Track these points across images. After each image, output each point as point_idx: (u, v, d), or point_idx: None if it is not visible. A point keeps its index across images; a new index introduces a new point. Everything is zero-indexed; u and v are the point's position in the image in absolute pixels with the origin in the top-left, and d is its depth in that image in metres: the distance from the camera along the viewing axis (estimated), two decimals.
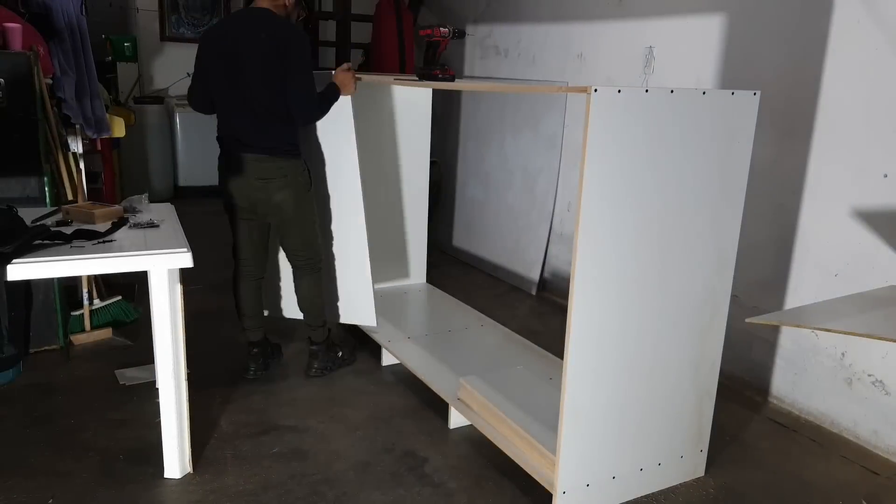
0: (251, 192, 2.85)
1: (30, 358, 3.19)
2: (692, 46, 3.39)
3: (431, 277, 4.28)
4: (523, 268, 4.66)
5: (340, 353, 3.28)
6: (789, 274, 3.01)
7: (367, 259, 3.22)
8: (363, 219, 3.17)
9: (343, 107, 3.00)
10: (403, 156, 3.96)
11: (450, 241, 5.40)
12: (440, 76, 2.79)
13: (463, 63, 5.21)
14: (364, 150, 3.31)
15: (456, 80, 2.86)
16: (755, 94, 2.18)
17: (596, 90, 1.85)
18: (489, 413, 2.59)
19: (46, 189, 3.11)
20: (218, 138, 2.92)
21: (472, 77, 5.09)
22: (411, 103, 3.89)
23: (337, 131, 3.10)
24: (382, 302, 3.65)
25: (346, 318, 3.39)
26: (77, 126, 3.45)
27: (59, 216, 2.53)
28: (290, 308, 3.39)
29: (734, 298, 2.44)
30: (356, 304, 3.34)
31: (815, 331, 2.81)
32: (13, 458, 2.44)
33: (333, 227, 3.28)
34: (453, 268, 4.76)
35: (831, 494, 2.47)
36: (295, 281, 3.12)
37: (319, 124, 3.08)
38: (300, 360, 3.34)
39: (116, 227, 2.41)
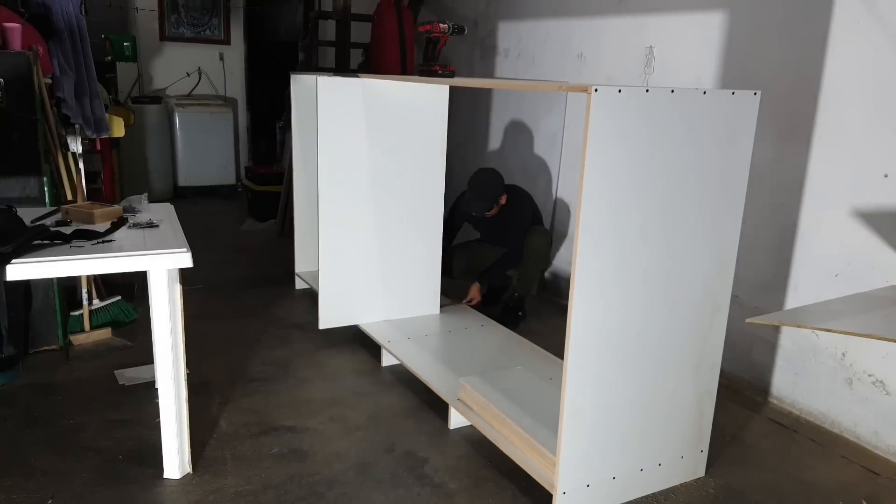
0: None
1: (29, 358, 3.18)
2: (692, 46, 3.38)
3: None
4: None
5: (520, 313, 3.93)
6: (790, 274, 3.00)
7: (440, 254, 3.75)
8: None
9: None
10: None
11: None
12: (440, 73, 2.78)
13: (463, 63, 5.21)
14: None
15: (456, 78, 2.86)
16: (756, 93, 2.18)
17: (596, 89, 1.84)
18: (489, 413, 2.58)
19: (46, 189, 3.11)
20: None
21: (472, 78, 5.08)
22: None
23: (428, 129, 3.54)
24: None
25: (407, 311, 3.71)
26: (76, 126, 3.45)
27: (58, 216, 2.53)
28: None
29: (734, 298, 2.44)
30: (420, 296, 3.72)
31: (816, 331, 2.81)
32: (13, 458, 2.43)
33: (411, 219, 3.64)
34: None
35: (831, 495, 2.46)
36: None
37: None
38: (300, 360, 3.34)
39: (116, 227, 2.41)
